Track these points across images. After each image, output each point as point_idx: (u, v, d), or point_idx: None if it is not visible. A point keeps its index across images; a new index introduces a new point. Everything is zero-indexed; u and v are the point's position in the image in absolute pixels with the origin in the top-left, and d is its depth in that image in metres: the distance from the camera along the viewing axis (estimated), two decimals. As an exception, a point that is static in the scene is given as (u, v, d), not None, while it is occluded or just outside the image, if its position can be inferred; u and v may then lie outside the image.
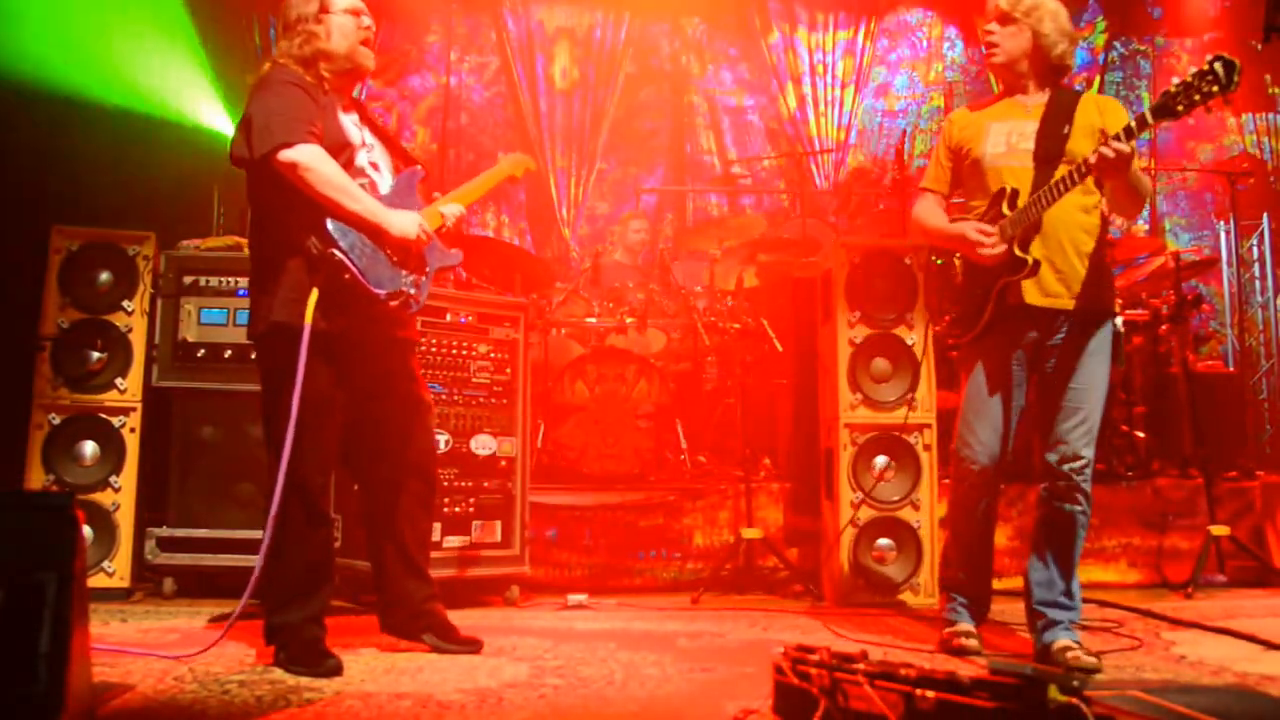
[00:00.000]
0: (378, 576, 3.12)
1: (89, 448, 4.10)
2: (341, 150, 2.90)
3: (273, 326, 2.82)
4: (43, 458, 4.05)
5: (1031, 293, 2.94)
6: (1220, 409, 5.63)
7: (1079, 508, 2.94)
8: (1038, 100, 3.05)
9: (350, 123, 3.03)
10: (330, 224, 2.79)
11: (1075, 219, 2.96)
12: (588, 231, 8.02)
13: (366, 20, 3.00)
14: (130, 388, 4.15)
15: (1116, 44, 8.55)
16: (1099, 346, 2.98)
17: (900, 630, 3.57)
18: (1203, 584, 4.38)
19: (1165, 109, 2.65)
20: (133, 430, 4.14)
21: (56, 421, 4.08)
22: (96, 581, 3.92)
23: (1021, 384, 3.07)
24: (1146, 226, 8.27)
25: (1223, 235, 7.88)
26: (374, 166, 3.04)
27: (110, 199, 4.90)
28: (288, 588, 2.86)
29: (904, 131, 7.67)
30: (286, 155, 2.73)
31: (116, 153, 5.19)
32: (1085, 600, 4.02)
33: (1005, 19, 3.03)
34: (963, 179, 3.17)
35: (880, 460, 4.19)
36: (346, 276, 2.79)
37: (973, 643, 3.10)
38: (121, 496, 4.08)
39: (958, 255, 3.12)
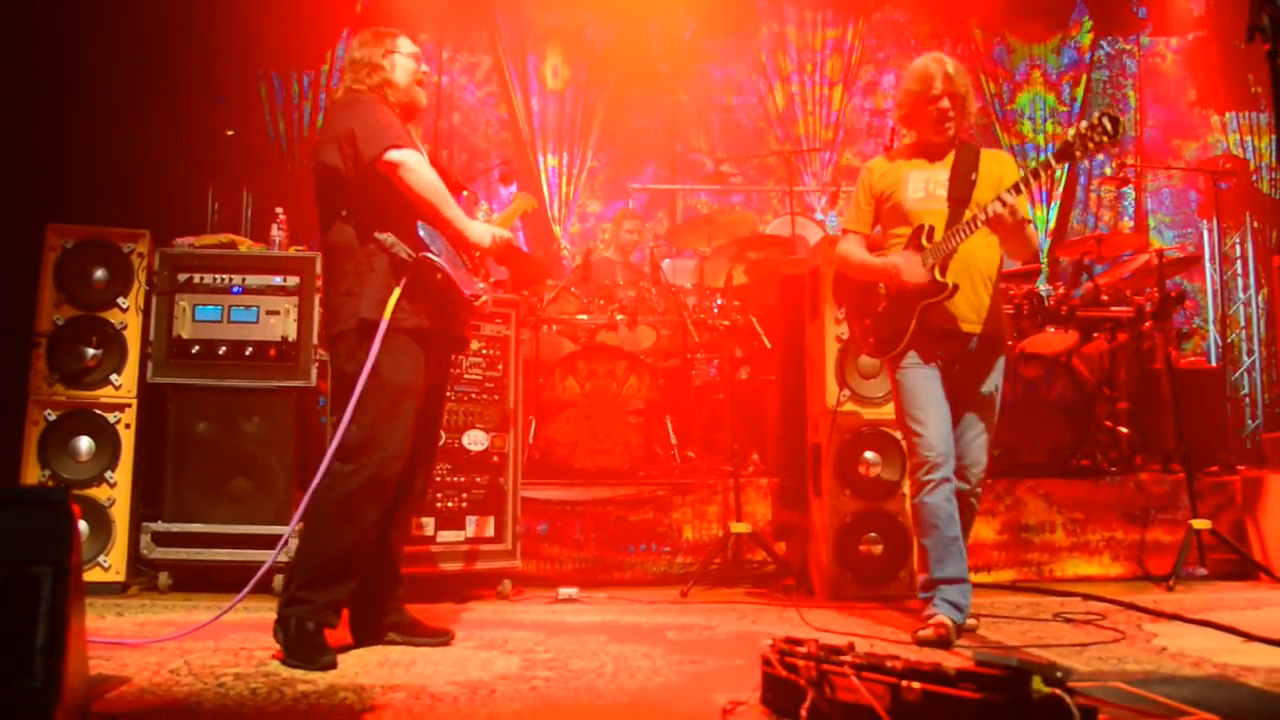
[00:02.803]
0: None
1: (84, 443, 4.12)
2: None
3: (361, 324, 2.96)
4: (38, 453, 4.07)
5: (949, 318, 3.35)
6: (1202, 404, 5.69)
7: (975, 501, 3.47)
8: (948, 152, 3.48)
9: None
10: (421, 229, 2.96)
11: (983, 255, 3.40)
12: (579, 229, 8.04)
13: (424, 66, 3.28)
14: (125, 384, 4.17)
15: (1103, 43, 8.62)
16: (999, 369, 3.45)
17: (888, 622, 3.62)
18: (1184, 577, 4.45)
19: (1065, 154, 3.14)
20: (128, 426, 4.16)
21: (52, 418, 4.10)
22: (92, 576, 3.94)
23: (942, 389, 3.41)
24: (1131, 224, 8.36)
25: (1205, 233, 7.96)
26: None
27: (105, 197, 4.91)
28: (323, 566, 2.92)
29: (892, 130, 7.68)
30: (394, 155, 2.92)
31: (112, 150, 5.19)
32: (1070, 593, 4.13)
33: (956, 95, 3.42)
34: (882, 218, 3.57)
35: (868, 455, 4.24)
36: (439, 277, 2.96)
37: (941, 634, 3.18)
38: (117, 492, 4.10)
39: (882, 285, 3.47)
